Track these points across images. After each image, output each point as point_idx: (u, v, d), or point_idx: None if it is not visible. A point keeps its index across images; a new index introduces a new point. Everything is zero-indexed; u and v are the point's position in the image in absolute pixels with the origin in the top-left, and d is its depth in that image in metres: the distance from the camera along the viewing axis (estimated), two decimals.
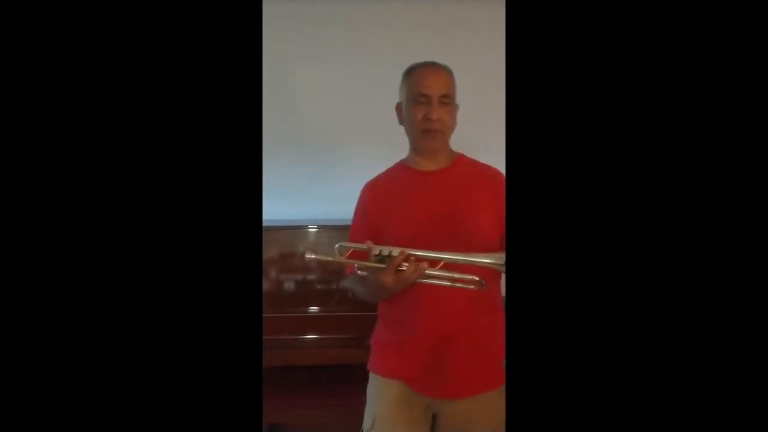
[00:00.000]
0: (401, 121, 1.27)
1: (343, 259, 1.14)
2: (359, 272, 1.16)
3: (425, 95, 1.18)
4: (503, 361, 1.22)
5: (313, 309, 2.09)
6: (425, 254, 1.08)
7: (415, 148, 1.27)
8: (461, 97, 2.57)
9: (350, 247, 1.14)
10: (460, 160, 1.30)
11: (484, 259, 1.07)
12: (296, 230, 2.19)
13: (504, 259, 1.04)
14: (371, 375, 1.28)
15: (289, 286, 2.16)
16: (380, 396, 1.25)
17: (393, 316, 1.26)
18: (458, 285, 1.10)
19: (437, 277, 1.10)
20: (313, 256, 1.13)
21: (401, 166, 1.31)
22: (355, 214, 1.33)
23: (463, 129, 2.46)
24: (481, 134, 2.43)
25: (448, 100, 1.21)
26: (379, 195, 1.29)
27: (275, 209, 2.32)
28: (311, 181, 2.44)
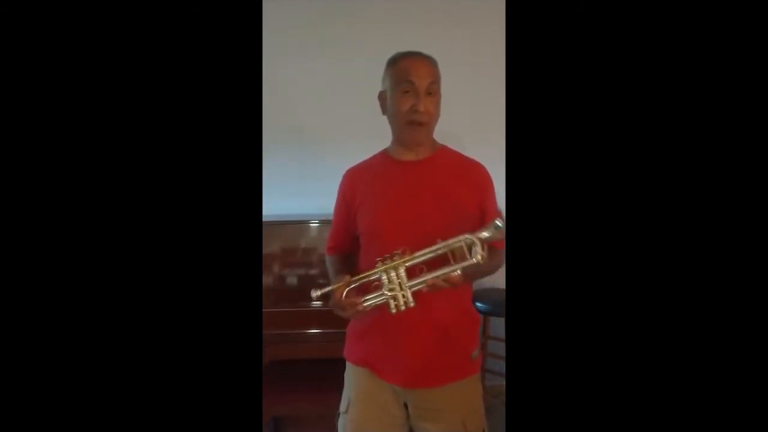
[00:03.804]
0: (384, 111, 1.25)
1: (337, 286, 1.15)
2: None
3: (412, 83, 1.15)
4: (476, 351, 1.25)
5: (316, 303, 2.10)
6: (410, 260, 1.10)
7: (399, 140, 1.25)
8: (462, 93, 2.55)
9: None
10: (442, 151, 1.28)
11: (456, 241, 1.07)
12: (298, 225, 2.21)
13: (479, 235, 1.06)
14: (347, 362, 1.32)
15: (291, 280, 2.17)
16: (352, 381, 1.29)
17: None
18: (440, 283, 1.09)
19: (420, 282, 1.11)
20: (320, 293, 1.16)
21: (383, 155, 1.30)
22: (336, 201, 1.33)
23: (463, 125, 2.47)
24: (481, 130, 2.43)
25: (434, 88, 1.18)
26: (357, 182, 1.28)
27: (277, 204, 2.33)
28: (313, 177, 2.45)
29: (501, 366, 2.34)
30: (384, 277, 1.11)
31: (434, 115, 1.20)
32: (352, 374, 1.29)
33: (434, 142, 1.28)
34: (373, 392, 1.24)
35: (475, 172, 1.25)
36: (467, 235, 1.07)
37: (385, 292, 1.10)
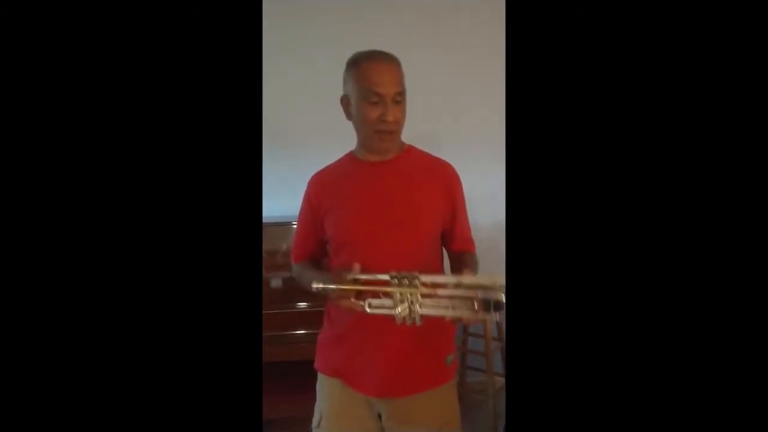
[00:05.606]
0: (349, 117, 1.19)
1: (346, 286, 1.06)
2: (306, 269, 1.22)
3: (379, 94, 1.10)
4: (450, 357, 1.21)
5: (302, 305, 2.11)
6: (432, 279, 1.01)
7: (366, 146, 1.21)
8: (458, 92, 2.56)
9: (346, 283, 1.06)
10: (410, 151, 1.25)
11: (484, 282, 0.98)
12: (282, 227, 2.20)
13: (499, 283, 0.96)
14: (318, 373, 1.26)
15: (276, 282, 2.16)
16: (324, 394, 1.24)
17: (334, 313, 1.24)
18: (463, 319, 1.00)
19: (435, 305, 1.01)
20: (321, 286, 1.08)
21: (349, 158, 1.26)
22: (301, 207, 1.29)
23: (461, 122, 2.49)
24: (480, 127, 2.48)
25: (401, 97, 1.13)
26: (323, 186, 1.24)
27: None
28: (297, 178, 2.44)
29: (481, 362, 2.39)
30: (397, 293, 1.01)
31: (402, 123, 1.17)
32: (323, 386, 1.24)
33: (401, 142, 1.25)
34: (346, 405, 1.20)
35: (444, 171, 1.23)
36: (487, 290, 0.97)
37: (398, 310, 1.01)
